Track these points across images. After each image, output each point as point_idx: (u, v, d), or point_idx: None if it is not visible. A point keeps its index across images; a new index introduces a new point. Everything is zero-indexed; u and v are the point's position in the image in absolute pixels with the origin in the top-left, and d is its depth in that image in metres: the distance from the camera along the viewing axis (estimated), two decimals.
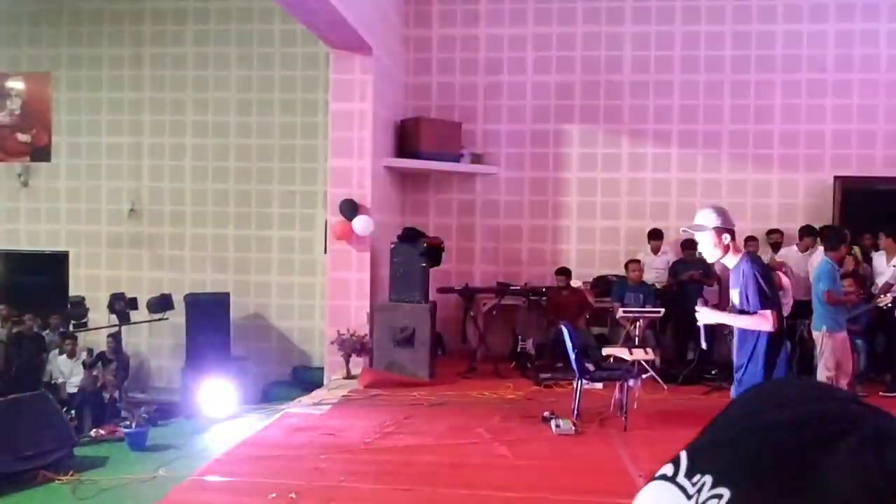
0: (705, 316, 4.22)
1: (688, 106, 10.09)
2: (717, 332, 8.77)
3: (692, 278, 9.03)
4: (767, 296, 3.90)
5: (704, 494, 0.60)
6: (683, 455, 0.64)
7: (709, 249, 4.11)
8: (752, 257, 4.17)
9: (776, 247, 9.42)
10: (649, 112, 10.15)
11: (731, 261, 4.06)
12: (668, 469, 0.64)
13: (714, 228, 4.06)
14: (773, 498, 0.57)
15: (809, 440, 0.58)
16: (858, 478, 0.54)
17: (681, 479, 0.63)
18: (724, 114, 10.05)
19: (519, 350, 9.30)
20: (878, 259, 8.84)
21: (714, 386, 8.12)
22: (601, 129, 10.19)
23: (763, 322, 3.93)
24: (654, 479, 0.65)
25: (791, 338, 8.34)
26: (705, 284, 9.19)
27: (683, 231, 4.52)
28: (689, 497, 0.61)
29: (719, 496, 0.58)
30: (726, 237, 4.04)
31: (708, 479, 0.60)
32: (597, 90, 10.20)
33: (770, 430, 0.60)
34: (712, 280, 9.29)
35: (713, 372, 8.47)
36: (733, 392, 4.11)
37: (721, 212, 4.13)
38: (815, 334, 6.92)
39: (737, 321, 4.07)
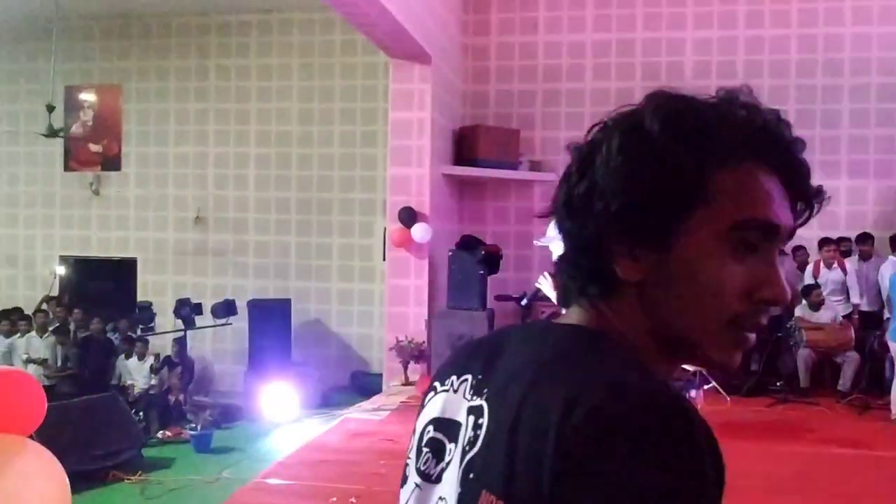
0: (546, 287, 4.21)
1: None
2: (784, 345, 8.59)
3: None
4: None
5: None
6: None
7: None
8: None
9: (845, 255, 9.15)
10: None
11: None
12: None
13: None
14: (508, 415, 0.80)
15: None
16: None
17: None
18: (790, 119, 9.77)
19: None
20: None
21: (778, 398, 7.93)
22: None
23: None
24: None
25: (861, 351, 8.11)
26: None
27: (536, 243, 4.50)
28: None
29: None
30: None
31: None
32: None
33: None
34: None
35: (777, 384, 8.28)
36: None
37: None
38: (892, 345, 6.70)
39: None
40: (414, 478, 0.97)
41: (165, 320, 10.61)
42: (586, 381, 0.75)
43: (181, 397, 9.74)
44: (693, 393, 6.69)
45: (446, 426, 0.93)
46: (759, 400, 7.95)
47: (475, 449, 0.85)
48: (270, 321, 10.37)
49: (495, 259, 9.01)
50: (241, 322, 10.39)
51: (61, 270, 12.14)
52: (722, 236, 0.82)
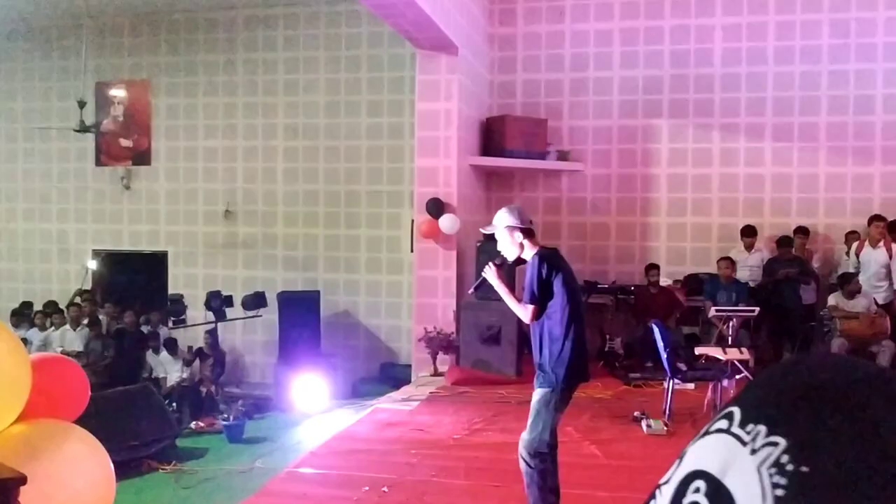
0: (490, 276, 4.25)
1: (782, 98, 9.76)
2: (817, 333, 8.48)
3: (788, 276, 8.74)
4: (534, 294, 4.07)
5: (760, 441, 0.65)
6: (736, 408, 0.69)
7: (505, 248, 4.25)
8: (542, 255, 4.14)
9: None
10: (741, 105, 9.87)
11: (528, 255, 4.21)
12: (722, 423, 0.70)
13: (507, 227, 4.14)
14: (828, 445, 0.61)
15: (869, 396, 0.64)
16: None
17: (735, 429, 0.68)
18: (822, 105, 9.67)
19: (607, 349, 9.20)
20: None
21: None
22: (691, 124, 9.96)
23: (524, 313, 4.17)
24: (707, 433, 0.71)
25: None
26: (802, 282, 8.88)
27: (482, 231, 4.58)
28: (744, 444, 0.66)
29: (774, 444, 0.64)
30: (518, 235, 4.18)
31: (762, 428, 0.66)
32: (686, 84, 9.98)
33: (822, 387, 0.66)
34: (809, 278, 8.96)
35: None
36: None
37: (513, 210, 4.28)
38: None
39: (508, 300, 4.26)
40: None
41: (197, 313, 10.72)
42: None
43: (213, 388, 9.85)
44: (725, 382, 6.64)
45: None
46: None
47: None
48: (300, 313, 10.44)
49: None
50: (271, 314, 10.48)
51: (93, 265, 12.32)
52: None
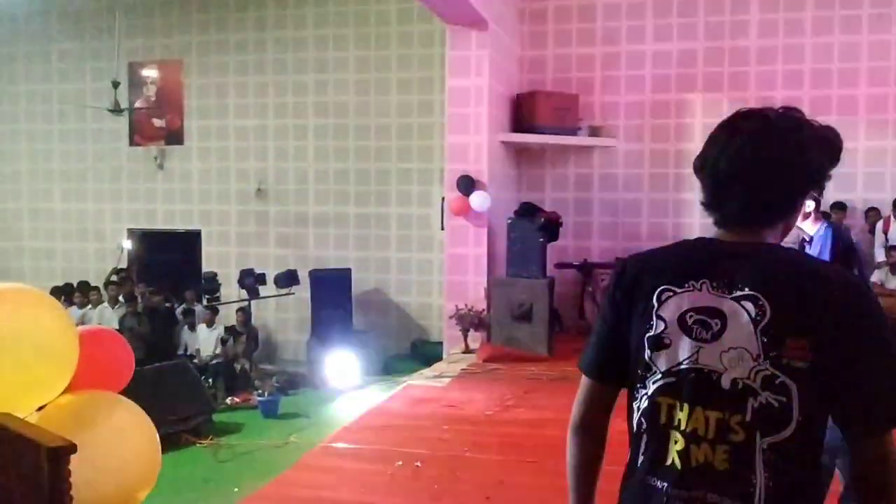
0: None
1: (820, 70, 9.55)
2: None
3: None
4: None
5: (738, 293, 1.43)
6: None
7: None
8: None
9: None
10: (778, 78, 9.67)
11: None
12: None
13: None
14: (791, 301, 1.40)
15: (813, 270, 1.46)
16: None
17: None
18: (861, 77, 9.44)
19: None
20: None
21: None
22: (726, 98, 9.79)
23: None
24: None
25: None
26: None
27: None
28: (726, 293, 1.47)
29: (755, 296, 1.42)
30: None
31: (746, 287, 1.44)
32: (721, 57, 9.80)
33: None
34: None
35: None
36: None
37: None
38: None
39: None
40: (689, 343, 1.47)
41: (230, 291, 10.85)
42: (827, 271, 1.46)
43: (247, 365, 9.98)
44: None
45: (706, 311, 1.46)
46: None
47: (766, 319, 1.40)
48: (331, 291, 10.52)
49: (555, 227, 8.93)
50: (303, 292, 10.57)
51: (128, 244, 12.50)
52: None
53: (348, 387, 8.39)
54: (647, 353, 1.50)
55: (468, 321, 8.63)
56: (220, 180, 12.05)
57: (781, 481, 1.38)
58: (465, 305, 8.67)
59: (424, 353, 10.05)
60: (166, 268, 12.22)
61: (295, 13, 11.56)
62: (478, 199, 8.74)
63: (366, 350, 9.97)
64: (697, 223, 9.92)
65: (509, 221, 8.69)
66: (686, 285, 1.49)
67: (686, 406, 1.45)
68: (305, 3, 11.50)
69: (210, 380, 9.56)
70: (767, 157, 1.47)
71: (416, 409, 6.47)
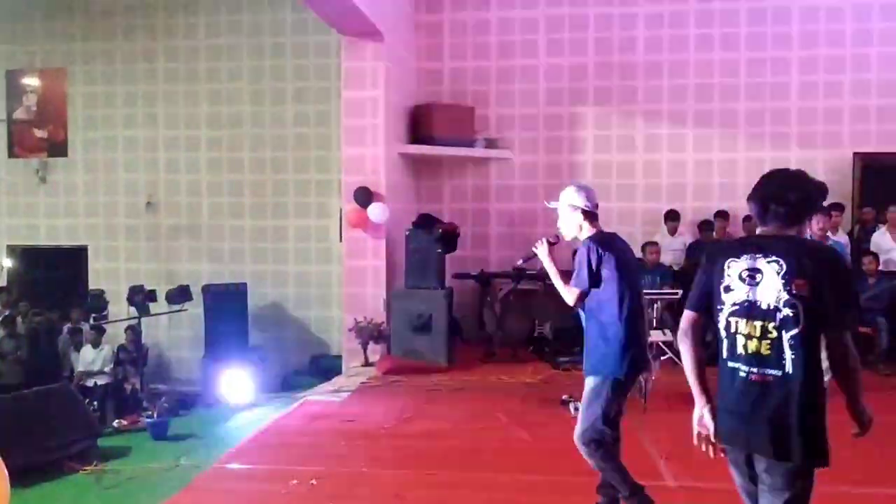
0: (541, 252, 4.22)
1: (703, 85, 9.98)
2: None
3: None
4: (581, 277, 3.97)
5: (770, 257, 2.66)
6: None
7: (564, 226, 4.14)
8: (596, 238, 4.05)
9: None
10: (664, 92, 10.06)
11: (583, 237, 4.10)
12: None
13: (569, 205, 4.07)
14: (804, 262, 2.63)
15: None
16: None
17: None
18: (741, 92, 9.93)
19: (536, 334, 9.29)
20: (881, 236, 8.66)
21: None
22: (615, 111, 10.11)
23: (568, 295, 4.06)
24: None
25: None
26: None
27: (547, 204, 4.50)
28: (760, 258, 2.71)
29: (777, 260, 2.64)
30: (579, 216, 4.06)
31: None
32: (610, 71, 10.12)
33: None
34: None
35: None
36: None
37: (581, 190, 4.12)
38: None
39: (555, 280, 4.15)
40: (744, 287, 2.66)
41: (120, 308, 10.40)
42: (817, 245, 2.97)
43: (137, 385, 9.59)
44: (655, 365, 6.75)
45: (752, 270, 2.65)
46: (714, 369, 8.07)
47: (783, 270, 2.59)
48: (227, 306, 10.24)
49: (453, 237, 8.99)
50: (196, 308, 10.24)
51: (8, 262, 11.83)
52: None
53: (243, 405, 8.16)
54: (722, 295, 2.72)
55: (367, 334, 8.57)
56: (108, 193, 11.57)
57: (797, 357, 2.57)
58: (365, 318, 8.61)
59: (324, 368, 9.91)
60: (51, 286, 11.62)
61: (186, 22, 11.26)
62: (376, 211, 8.70)
63: (263, 366, 9.75)
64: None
65: (407, 233, 8.69)
66: (742, 256, 2.71)
67: (744, 320, 2.67)
68: (197, 12, 11.21)
69: (97, 402, 9.13)
70: (784, 191, 2.71)
71: (313, 426, 6.36)
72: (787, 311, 2.57)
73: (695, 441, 2.85)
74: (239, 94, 11.13)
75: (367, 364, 8.56)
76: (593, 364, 4.02)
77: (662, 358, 7.56)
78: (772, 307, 2.59)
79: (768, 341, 2.60)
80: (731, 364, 2.71)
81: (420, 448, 5.64)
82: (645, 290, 8.26)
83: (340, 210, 9.47)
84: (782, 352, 2.58)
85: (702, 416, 2.84)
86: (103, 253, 11.61)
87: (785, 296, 2.57)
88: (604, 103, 10.13)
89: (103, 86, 11.52)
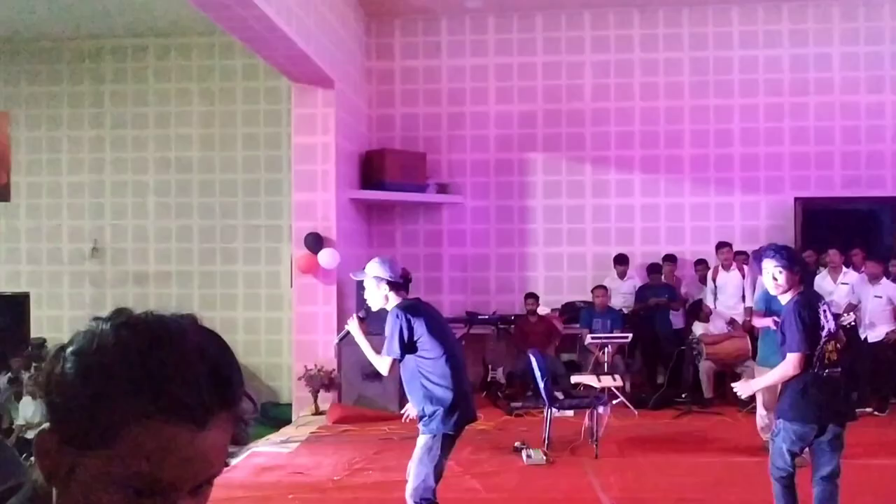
0: (352, 328, 4.43)
1: (649, 132, 10.22)
2: (686, 358, 8.83)
3: (658, 303, 9.08)
4: (391, 347, 4.17)
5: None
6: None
7: (371, 297, 4.31)
8: (402, 307, 4.21)
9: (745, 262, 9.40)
10: (611, 139, 10.26)
11: (390, 307, 4.26)
12: None
13: (374, 277, 4.23)
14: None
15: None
16: None
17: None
18: (685, 139, 10.18)
19: (489, 379, 9.26)
20: (823, 279, 8.85)
21: (684, 410, 8.13)
22: (564, 157, 10.27)
23: (381, 363, 4.31)
24: None
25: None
26: (671, 309, 9.25)
27: (353, 277, 4.68)
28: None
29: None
30: (384, 287, 4.21)
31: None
32: (559, 118, 10.30)
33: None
34: (678, 304, 9.34)
35: (683, 395, 8.49)
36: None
37: (384, 262, 4.33)
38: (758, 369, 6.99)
39: (368, 352, 4.39)
40: (829, 326, 4.14)
41: None
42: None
43: None
44: (601, 409, 6.77)
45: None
46: (666, 412, 8.14)
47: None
48: None
49: (405, 282, 8.94)
50: None
51: None
52: None
53: None
54: (822, 333, 4.01)
55: (318, 382, 8.45)
56: (52, 239, 11.29)
57: (840, 360, 4.10)
58: (315, 365, 8.48)
59: (274, 416, 9.70)
60: None
61: (134, 66, 11.16)
62: (326, 257, 8.64)
63: None
64: (542, 276, 10.25)
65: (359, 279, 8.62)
66: (822, 304, 4.19)
67: (830, 343, 4.04)
68: (145, 57, 11.13)
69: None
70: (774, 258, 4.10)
71: (259, 478, 6.19)
72: (837, 337, 4.32)
73: None
74: (188, 139, 11.03)
75: (317, 412, 8.42)
76: (425, 422, 4.13)
77: (614, 402, 7.58)
78: (838, 335, 4.27)
79: (836, 354, 4.17)
80: (822, 371, 4.08)
81: (370, 500, 5.54)
82: (595, 334, 8.40)
83: (291, 256, 9.38)
84: (840, 359, 4.18)
85: None
86: (46, 300, 11.29)
87: (837, 331, 4.33)
88: (553, 149, 10.29)
89: (48, 130, 11.32)
